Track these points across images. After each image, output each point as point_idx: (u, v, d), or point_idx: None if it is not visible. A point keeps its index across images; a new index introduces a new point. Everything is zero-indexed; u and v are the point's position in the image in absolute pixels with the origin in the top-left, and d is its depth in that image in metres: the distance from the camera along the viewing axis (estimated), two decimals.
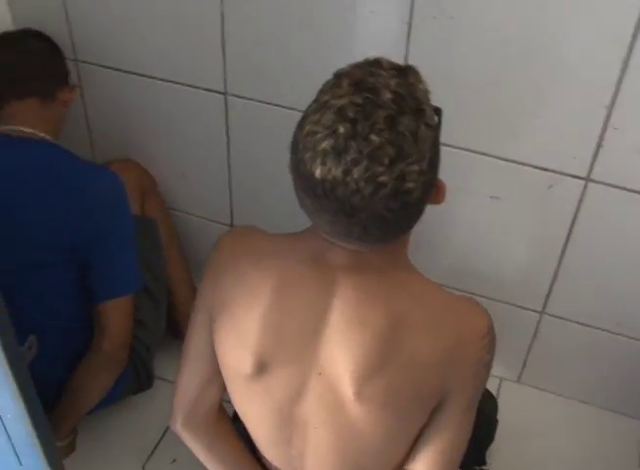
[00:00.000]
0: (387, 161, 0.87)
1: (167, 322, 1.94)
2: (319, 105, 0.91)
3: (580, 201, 1.55)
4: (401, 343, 1.01)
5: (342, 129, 0.87)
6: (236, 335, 1.07)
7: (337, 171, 0.88)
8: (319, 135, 0.89)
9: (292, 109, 1.64)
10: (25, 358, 1.26)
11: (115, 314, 1.60)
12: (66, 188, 1.55)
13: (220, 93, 1.72)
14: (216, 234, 2.01)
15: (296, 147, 0.94)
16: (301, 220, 1.02)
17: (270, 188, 1.84)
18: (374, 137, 0.87)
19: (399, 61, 1.45)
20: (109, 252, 1.58)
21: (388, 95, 0.89)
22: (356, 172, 0.87)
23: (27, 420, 1.17)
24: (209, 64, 1.68)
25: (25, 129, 1.63)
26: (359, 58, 1.52)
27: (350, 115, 0.88)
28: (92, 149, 2.02)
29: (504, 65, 1.43)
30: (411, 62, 1.45)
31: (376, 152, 0.87)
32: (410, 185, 0.88)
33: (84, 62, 1.83)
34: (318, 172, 0.89)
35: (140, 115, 1.87)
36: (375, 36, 1.50)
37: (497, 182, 1.60)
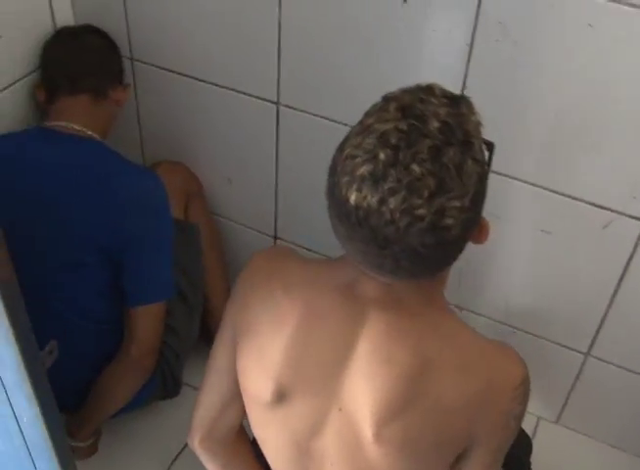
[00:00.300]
0: (426, 193, 0.82)
1: (201, 329, 1.91)
2: (362, 128, 0.87)
3: (638, 243, 1.47)
4: (427, 385, 0.95)
5: (382, 156, 0.83)
6: (257, 360, 1.03)
7: (372, 199, 0.83)
8: (358, 159, 0.84)
9: (343, 124, 1.60)
10: (44, 363, 1.24)
11: (146, 320, 1.57)
12: (107, 188, 1.54)
13: (273, 102, 1.69)
14: (258, 244, 2.03)
15: (333, 169, 0.89)
16: None
17: (316, 203, 1.78)
18: (415, 167, 0.82)
19: (457, 83, 1.44)
20: (144, 255, 1.56)
21: (435, 124, 0.84)
22: (393, 202, 0.82)
23: (43, 424, 1.15)
24: (264, 73, 1.65)
25: (74, 126, 1.62)
26: (416, 76, 1.47)
27: (393, 141, 0.83)
28: (142, 149, 2.01)
29: (567, 96, 1.36)
30: (469, 85, 1.43)
31: (415, 183, 0.82)
32: (449, 221, 0.83)
33: (140, 61, 1.82)
34: (353, 198, 0.84)
35: (191, 118, 1.85)
36: (434, 56, 1.45)
37: (550, 216, 1.53)
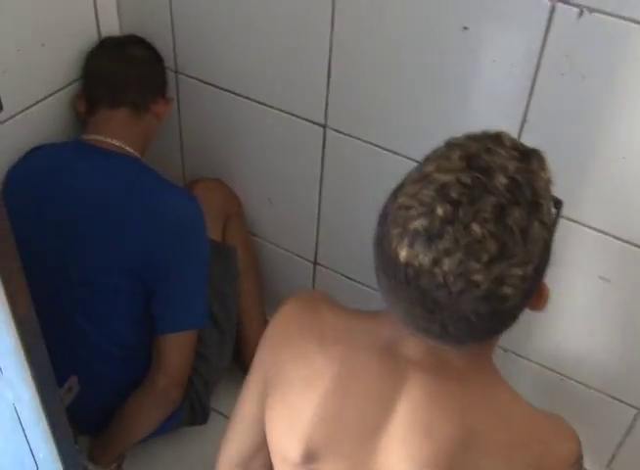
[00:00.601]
0: (485, 257, 0.73)
1: (234, 354, 1.84)
2: (421, 176, 0.78)
3: None
4: (471, 463, 0.86)
5: (440, 211, 0.74)
6: (287, 419, 0.95)
7: (425, 258, 0.75)
8: (413, 212, 0.76)
9: (393, 152, 1.52)
10: (63, 400, 1.18)
11: (175, 350, 1.51)
12: (142, 208, 1.48)
13: (320, 125, 1.61)
14: (297, 269, 1.95)
15: (384, 218, 0.81)
16: None
17: (359, 231, 1.71)
18: (476, 227, 0.73)
19: (517, 118, 1.35)
20: (177, 281, 1.49)
21: (502, 179, 0.75)
22: (447, 264, 0.74)
23: (59, 462, 1.11)
24: (312, 94, 1.57)
25: (113, 141, 1.57)
26: (472, 108, 1.40)
27: (454, 195, 0.74)
28: (183, 164, 1.95)
29: (638, 138, 1.26)
30: (531, 121, 1.33)
31: (475, 245, 0.73)
32: (507, 291, 0.74)
33: (184, 74, 1.76)
34: (403, 255, 0.76)
35: (233, 135, 1.79)
36: (493, 87, 1.35)
37: (610, 263, 1.42)
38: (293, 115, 1.64)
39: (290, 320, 1.00)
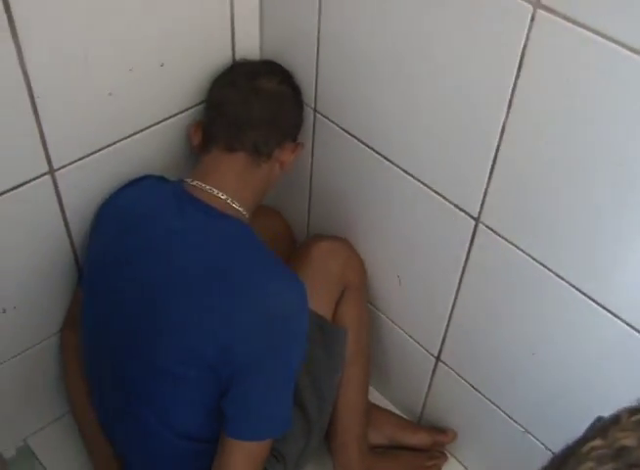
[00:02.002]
0: None
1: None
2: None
3: None
4: None
5: None
6: None
7: None
8: None
9: (542, 264, 1.20)
10: None
11: (242, 459, 1.24)
12: (234, 291, 1.21)
13: (472, 218, 1.28)
14: (415, 361, 1.63)
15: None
16: None
17: (491, 343, 1.39)
18: None
19: None
20: (257, 384, 1.23)
21: None
22: None
23: None
24: (470, 181, 1.24)
25: (219, 194, 1.31)
26: None
27: None
28: (309, 214, 1.67)
29: None
30: None
31: None
32: None
33: (323, 115, 1.46)
34: None
35: (368, 196, 1.48)
36: None
37: None
38: (441, 196, 1.31)
39: None
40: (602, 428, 0.61)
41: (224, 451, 1.25)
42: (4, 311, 1.40)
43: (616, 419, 0.60)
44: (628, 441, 0.58)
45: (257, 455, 1.26)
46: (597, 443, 0.60)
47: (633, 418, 0.60)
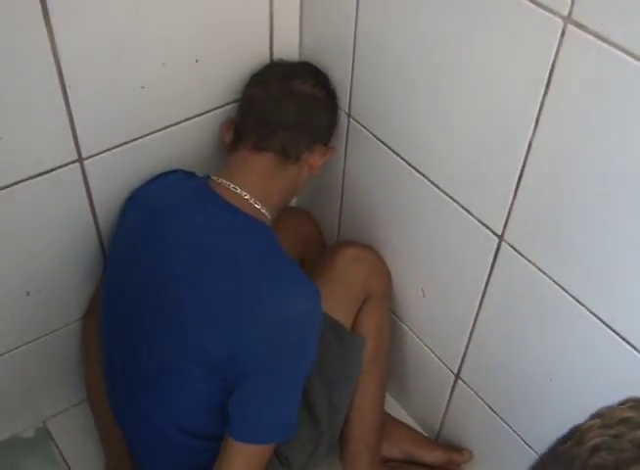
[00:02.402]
0: None
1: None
2: None
3: None
4: None
5: None
6: None
7: None
8: None
9: (561, 287, 1.16)
10: None
11: (239, 460, 1.23)
12: (246, 292, 1.20)
13: (495, 235, 1.24)
14: (432, 375, 1.60)
15: None
16: None
17: (510, 363, 1.36)
18: None
19: None
20: (262, 387, 1.22)
21: None
22: None
23: None
24: (495, 198, 1.20)
25: (242, 193, 1.30)
26: None
27: None
28: (340, 218, 1.65)
29: None
30: None
31: None
32: None
33: (357, 121, 1.44)
34: None
35: (396, 204, 1.46)
36: None
37: None
38: (467, 210, 1.28)
39: None
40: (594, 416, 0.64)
41: (225, 451, 1.24)
42: (28, 294, 1.42)
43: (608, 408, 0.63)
44: (629, 413, 0.62)
45: (257, 458, 1.25)
46: (595, 421, 0.62)
47: (626, 405, 0.63)
